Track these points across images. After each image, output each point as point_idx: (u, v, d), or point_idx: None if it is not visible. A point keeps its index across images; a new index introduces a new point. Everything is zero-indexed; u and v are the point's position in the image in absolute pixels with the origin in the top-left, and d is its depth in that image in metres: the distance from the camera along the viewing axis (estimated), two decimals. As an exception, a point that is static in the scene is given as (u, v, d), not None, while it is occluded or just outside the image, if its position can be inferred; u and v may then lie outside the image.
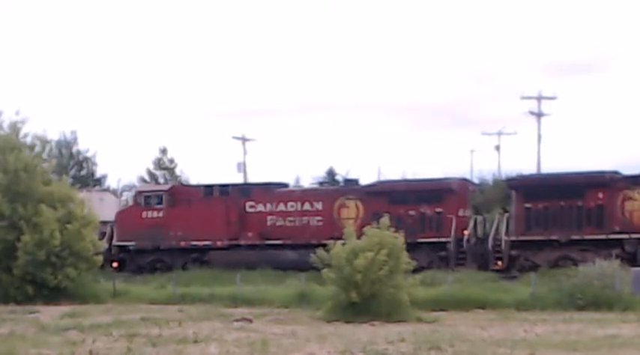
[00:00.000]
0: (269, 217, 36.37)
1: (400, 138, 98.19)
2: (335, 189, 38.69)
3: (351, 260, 22.84)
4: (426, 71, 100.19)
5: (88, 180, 59.48)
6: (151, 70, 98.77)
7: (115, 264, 37.17)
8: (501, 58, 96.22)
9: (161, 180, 58.67)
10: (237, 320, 22.44)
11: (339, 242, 23.84)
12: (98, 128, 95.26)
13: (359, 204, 35.18)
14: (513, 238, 33.08)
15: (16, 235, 30.31)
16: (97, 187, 56.01)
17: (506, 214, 34.35)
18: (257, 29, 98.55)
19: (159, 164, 61.64)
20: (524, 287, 27.27)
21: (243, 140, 62.70)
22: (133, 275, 36.35)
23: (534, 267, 31.59)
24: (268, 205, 36.49)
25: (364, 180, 39.47)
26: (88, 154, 61.93)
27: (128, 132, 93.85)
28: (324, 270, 23.55)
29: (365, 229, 24.12)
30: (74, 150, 61.60)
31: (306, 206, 36.01)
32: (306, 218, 35.88)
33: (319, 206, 35.81)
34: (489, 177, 52.97)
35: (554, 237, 32.49)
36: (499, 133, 64.20)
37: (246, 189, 38.29)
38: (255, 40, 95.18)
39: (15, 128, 31.96)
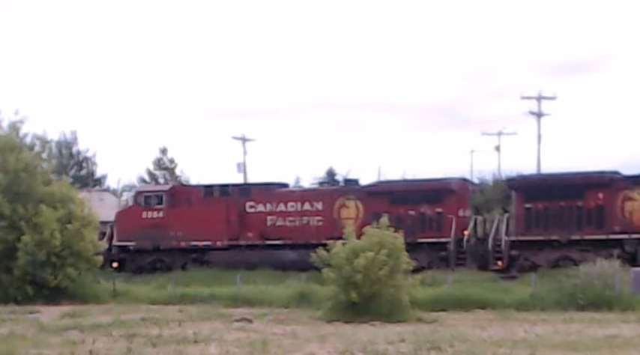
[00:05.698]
0: (269, 217, 36.37)
1: (400, 138, 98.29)
2: (335, 189, 38.65)
3: (351, 260, 22.80)
4: (425, 71, 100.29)
5: (88, 180, 59.45)
6: (150, 70, 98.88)
7: (115, 264, 37.15)
8: (501, 58, 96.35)
9: (161, 180, 58.64)
10: (237, 320, 22.41)
11: (339, 242, 23.82)
12: (98, 128, 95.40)
13: (359, 204, 35.17)
14: (513, 238, 33.08)
15: (16, 235, 30.30)
16: (97, 187, 55.96)
17: (507, 214, 34.38)
18: (257, 29, 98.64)
19: (159, 164, 61.61)
20: (524, 287, 27.24)
21: (243, 140, 62.79)
22: (133, 275, 36.34)
23: (534, 267, 31.59)
24: (268, 205, 36.48)
25: (364, 180, 39.57)
26: (88, 154, 62.04)
27: (128, 132, 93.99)
28: (324, 270, 23.52)
29: (365, 229, 24.09)
30: (74, 150, 61.60)
31: (306, 206, 36.01)
32: (306, 218, 35.87)
33: (319, 206, 35.81)
34: (489, 177, 52.98)
35: (554, 237, 32.48)
36: (499, 133, 64.29)
37: (246, 189, 38.27)
38: (254, 40, 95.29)
39: (15, 128, 31.94)
